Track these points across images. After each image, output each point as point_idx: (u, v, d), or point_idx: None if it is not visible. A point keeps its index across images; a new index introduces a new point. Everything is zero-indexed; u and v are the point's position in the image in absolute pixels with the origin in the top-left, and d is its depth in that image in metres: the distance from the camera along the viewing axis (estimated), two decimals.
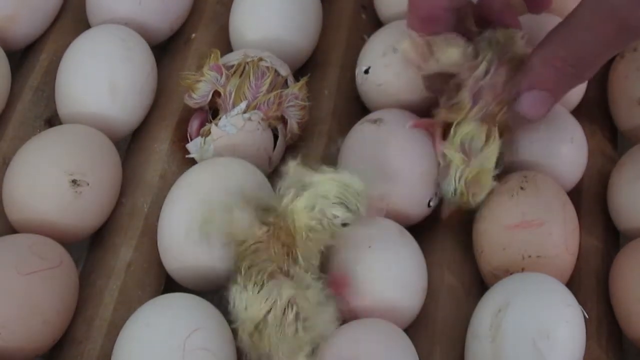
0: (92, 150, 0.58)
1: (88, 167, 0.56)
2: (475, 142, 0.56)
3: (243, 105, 0.59)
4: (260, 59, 0.60)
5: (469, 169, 0.55)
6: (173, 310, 0.51)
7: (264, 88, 0.59)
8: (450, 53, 0.56)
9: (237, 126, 0.58)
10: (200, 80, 0.60)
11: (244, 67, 0.60)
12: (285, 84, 0.61)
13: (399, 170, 0.57)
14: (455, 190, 0.56)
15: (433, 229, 0.60)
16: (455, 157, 0.56)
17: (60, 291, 0.53)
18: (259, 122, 0.59)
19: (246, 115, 0.59)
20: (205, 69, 0.60)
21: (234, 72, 0.60)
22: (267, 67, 0.60)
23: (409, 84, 0.61)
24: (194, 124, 0.61)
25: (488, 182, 0.56)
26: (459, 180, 0.55)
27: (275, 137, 0.60)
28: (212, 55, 0.60)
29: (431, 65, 0.56)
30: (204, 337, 0.50)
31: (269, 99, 0.59)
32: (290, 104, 0.60)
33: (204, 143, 0.59)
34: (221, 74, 0.60)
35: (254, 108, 0.59)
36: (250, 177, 0.56)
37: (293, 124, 0.60)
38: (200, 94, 0.60)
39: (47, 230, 0.55)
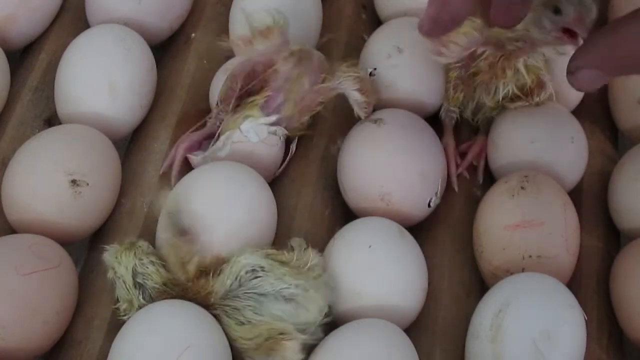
0: (91, 150, 0.57)
1: (88, 167, 0.56)
2: None
3: (273, 118, 0.58)
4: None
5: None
6: (163, 326, 0.49)
7: (317, 86, 0.58)
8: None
9: (259, 136, 0.58)
10: (267, 38, 0.57)
11: (300, 57, 0.58)
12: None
13: (399, 170, 0.57)
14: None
15: (433, 229, 0.59)
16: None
17: (60, 291, 0.53)
18: (280, 138, 0.58)
19: (272, 128, 0.58)
20: (276, 32, 0.57)
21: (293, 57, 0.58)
22: (324, 68, 0.59)
23: (419, 83, 0.61)
24: (180, 149, 0.59)
25: None
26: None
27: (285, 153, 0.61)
28: (283, 23, 0.57)
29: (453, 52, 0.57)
30: (197, 356, 0.48)
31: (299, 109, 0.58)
32: (339, 80, 0.58)
33: (219, 143, 0.58)
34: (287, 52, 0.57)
35: (293, 111, 0.58)
36: (257, 187, 0.56)
37: (354, 94, 0.58)
38: (262, 48, 0.57)
39: (46, 231, 0.55)
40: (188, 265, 0.52)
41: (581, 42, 0.51)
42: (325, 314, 0.52)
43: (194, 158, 0.59)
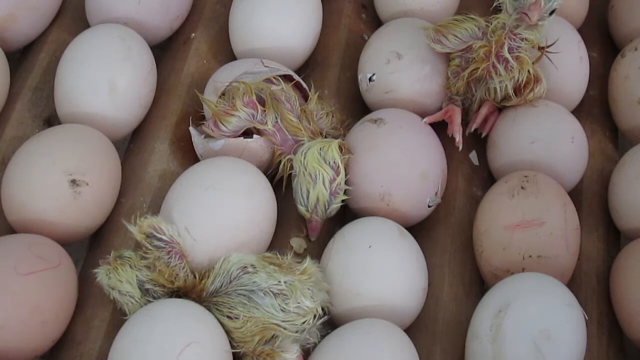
0: (91, 150, 0.57)
1: (87, 167, 0.56)
2: None
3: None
4: (279, 80, 0.59)
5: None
6: (164, 323, 0.50)
7: (298, 109, 0.59)
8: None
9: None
10: (233, 115, 0.58)
11: (268, 94, 0.59)
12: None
13: (399, 170, 0.57)
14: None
15: (433, 229, 0.59)
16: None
17: (59, 291, 0.53)
18: (260, 146, 0.59)
19: (249, 140, 0.58)
20: (239, 104, 0.58)
21: (266, 103, 0.58)
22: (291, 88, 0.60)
23: (419, 90, 0.61)
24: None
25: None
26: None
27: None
28: (246, 90, 0.58)
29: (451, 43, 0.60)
30: (198, 352, 0.49)
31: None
32: (319, 117, 0.60)
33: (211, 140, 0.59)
34: (256, 110, 0.58)
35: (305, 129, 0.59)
36: (252, 179, 0.56)
37: (329, 132, 0.61)
38: (232, 128, 0.58)
39: (46, 231, 0.55)
40: (176, 282, 0.52)
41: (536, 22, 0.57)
42: (320, 315, 0.52)
43: (195, 136, 0.59)
